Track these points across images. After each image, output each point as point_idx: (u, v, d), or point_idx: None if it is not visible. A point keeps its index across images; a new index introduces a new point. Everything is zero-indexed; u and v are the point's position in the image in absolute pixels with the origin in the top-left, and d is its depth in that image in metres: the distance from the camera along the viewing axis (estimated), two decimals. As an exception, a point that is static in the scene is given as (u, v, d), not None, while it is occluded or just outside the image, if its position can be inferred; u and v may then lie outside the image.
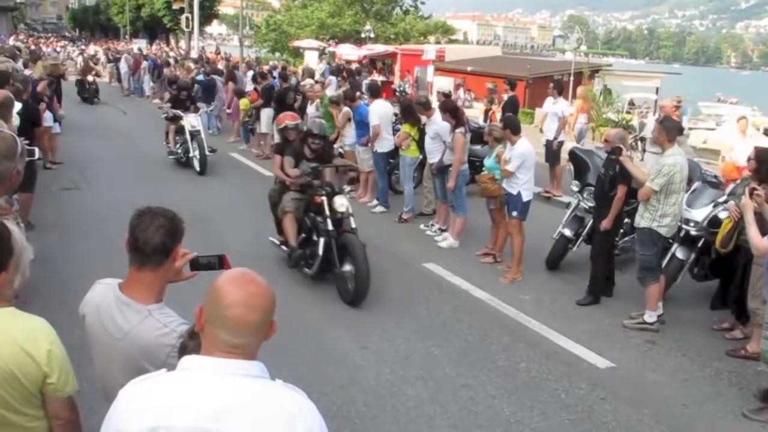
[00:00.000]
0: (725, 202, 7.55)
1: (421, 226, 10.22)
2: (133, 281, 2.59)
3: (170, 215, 2.65)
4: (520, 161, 8.04)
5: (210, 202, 11.36)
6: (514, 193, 8.16)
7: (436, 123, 9.61)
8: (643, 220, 6.84)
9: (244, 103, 16.23)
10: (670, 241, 7.22)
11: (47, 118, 12.66)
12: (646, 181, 6.70)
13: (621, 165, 7.14)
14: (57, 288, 6.69)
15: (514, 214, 8.19)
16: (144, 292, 2.56)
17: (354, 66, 31.83)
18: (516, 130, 8.24)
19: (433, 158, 9.79)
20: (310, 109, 12.80)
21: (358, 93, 12.41)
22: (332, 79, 19.21)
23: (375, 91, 12.06)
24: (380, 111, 11.04)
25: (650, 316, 6.93)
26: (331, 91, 15.01)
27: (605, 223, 7.33)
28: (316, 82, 14.17)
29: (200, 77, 19.35)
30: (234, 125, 17.74)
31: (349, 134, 11.98)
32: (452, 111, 9.45)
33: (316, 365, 5.82)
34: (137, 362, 2.44)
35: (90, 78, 25.25)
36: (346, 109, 12.00)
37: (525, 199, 8.17)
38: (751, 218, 5.38)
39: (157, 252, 2.55)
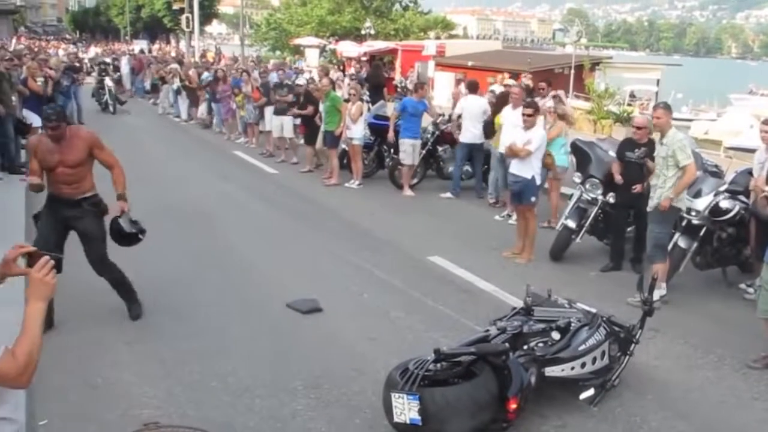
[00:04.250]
0: (726, 191, 7.67)
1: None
2: None
3: None
4: (539, 143, 8.50)
5: (214, 199, 11.49)
6: (529, 177, 8.54)
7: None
8: (653, 201, 7.23)
9: (238, 99, 16.82)
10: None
11: (33, 118, 12.76)
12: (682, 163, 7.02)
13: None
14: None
15: (533, 199, 8.64)
16: None
17: (353, 65, 31.92)
18: (538, 112, 8.84)
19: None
20: (323, 107, 12.91)
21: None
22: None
23: (473, 87, 12.50)
24: (466, 104, 11.90)
25: (655, 294, 7.10)
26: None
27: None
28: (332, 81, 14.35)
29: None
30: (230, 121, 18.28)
31: (359, 129, 12.20)
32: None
33: (324, 356, 5.91)
34: None
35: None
36: (359, 103, 12.31)
37: (538, 182, 8.69)
38: None
39: None
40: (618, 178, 8.11)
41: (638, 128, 8.16)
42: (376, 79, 22.26)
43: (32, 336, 2.48)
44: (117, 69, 29.79)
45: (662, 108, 7.24)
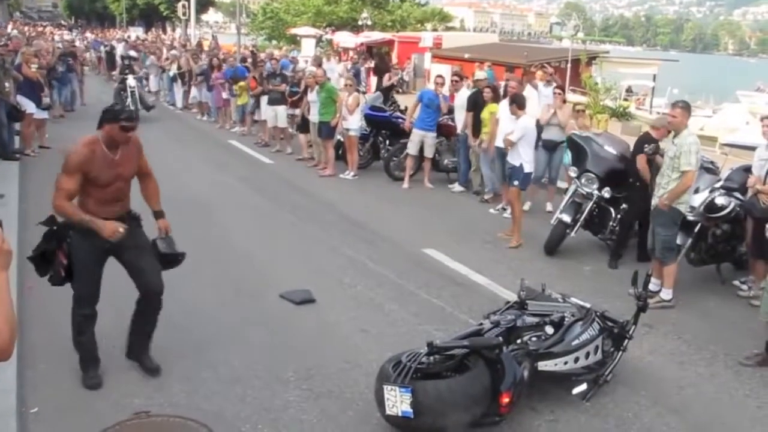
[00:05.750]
0: (722, 188, 7.66)
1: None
2: None
3: None
4: (521, 133, 8.87)
5: (209, 189, 11.45)
6: (517, 165, 8.99)
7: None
8: (655, 200, 7.20)
9: (240, 87, 16.63)
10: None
11: (28, 104, 12.79)
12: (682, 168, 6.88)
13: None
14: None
15: (516, 183, 9.04)
16: None
17: (351, 56, 31.85)
18: (521, 106, 9.09)
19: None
20: (311, 96, 12.86)
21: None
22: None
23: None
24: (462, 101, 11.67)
25: (667, 294, 7.20)
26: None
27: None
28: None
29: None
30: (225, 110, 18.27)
31: (356, 120, 12.19)
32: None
33: (317, 347, 5.90)
34: None
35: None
36: (356, 93, 12.34)
37: (526, 170, 9.01)
38: None
39: None
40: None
41: (657, 129, 8.25)
42: (382, 70, 22.76)
43: (5, 306, 2.44)
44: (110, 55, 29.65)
45: (680, 107, 7.07)
